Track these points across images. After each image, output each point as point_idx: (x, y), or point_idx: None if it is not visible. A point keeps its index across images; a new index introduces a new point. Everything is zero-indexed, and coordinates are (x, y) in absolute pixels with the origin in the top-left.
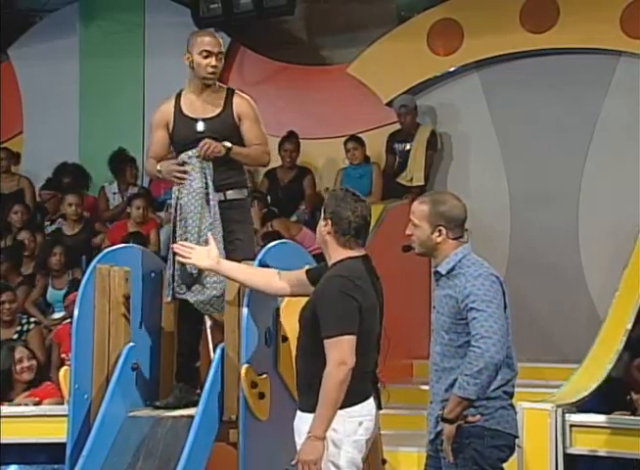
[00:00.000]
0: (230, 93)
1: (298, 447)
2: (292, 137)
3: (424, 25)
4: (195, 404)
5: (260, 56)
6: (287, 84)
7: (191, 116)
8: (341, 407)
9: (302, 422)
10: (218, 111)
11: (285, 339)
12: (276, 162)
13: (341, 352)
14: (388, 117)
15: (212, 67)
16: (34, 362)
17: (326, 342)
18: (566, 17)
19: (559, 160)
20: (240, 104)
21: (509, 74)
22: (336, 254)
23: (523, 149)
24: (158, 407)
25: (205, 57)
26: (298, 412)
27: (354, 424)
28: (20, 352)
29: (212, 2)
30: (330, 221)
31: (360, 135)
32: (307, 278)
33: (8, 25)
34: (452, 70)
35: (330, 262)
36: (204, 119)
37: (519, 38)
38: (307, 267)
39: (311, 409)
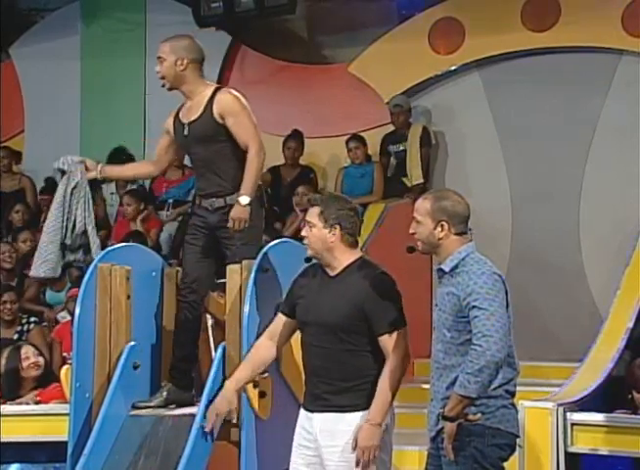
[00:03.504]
0: (213, 93)
1: (338, 449)
2: (296, 135)
3: (425, 24)
4: (187, 403)
5: (261, 55)
6: (288, 83)
7: (182, 120)
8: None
9: (344, 423)
10: (199, 113)
11: None
12: (279, 159)
13: (407, 344)
14: (389, 117)
15: (157, 73)
16: (41, 359)
17: (389, 336)
18: (567, 15)
19: (560, 158)
20: (219, 101)
21: (510, 73)
22: (345, 256)
23: (524, 147)
24: (139, 408)
25: None
26: (333, 414)
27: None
28: (25, 349)
29: (214, 1)
30: (338, 227)
31: (362, 134)
32: (289, 317)
33: (9, 25)
34: (453, 68)
35: (340, 266)
36: (188, 123)
37: (520, 37)
38: (280, 309)
39: (356, 409)
